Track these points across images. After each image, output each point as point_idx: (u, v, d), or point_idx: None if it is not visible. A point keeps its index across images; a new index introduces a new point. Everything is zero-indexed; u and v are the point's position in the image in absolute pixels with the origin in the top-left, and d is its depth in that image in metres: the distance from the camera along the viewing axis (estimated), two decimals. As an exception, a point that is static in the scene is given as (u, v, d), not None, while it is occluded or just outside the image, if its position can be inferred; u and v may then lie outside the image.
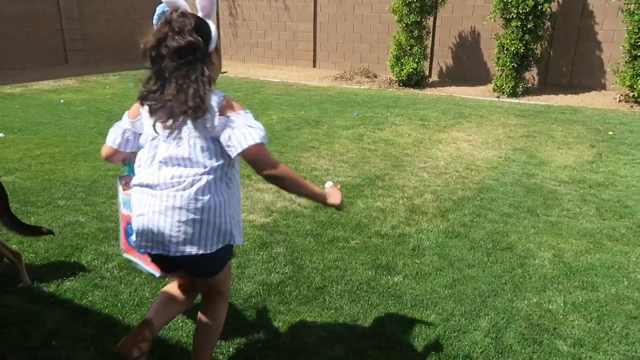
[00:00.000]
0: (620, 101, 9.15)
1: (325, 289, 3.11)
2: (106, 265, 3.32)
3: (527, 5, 9.04)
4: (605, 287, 3.20)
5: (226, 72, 12.61)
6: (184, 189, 1.88)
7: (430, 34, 10.98)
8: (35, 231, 3.23)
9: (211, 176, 1.91)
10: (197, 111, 1.84)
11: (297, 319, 2.81)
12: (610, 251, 3.67)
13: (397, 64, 10.62)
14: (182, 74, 1.86)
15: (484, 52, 11.04)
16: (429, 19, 10.65)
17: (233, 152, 1.89)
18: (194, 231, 1.89)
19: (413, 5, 10.10)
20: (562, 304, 3.00)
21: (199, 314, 2.24)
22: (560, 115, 8.14)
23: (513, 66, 9.55)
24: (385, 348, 2.61)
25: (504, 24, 9.63)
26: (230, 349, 2.57)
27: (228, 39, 14.66)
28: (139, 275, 3.22)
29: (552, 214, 4.30)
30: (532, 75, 10.43)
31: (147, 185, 1.94)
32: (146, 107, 1.96)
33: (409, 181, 5.04)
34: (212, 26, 1.99)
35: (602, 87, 10.08)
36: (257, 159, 1.92)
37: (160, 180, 1.91)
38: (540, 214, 4.29)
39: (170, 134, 1.89)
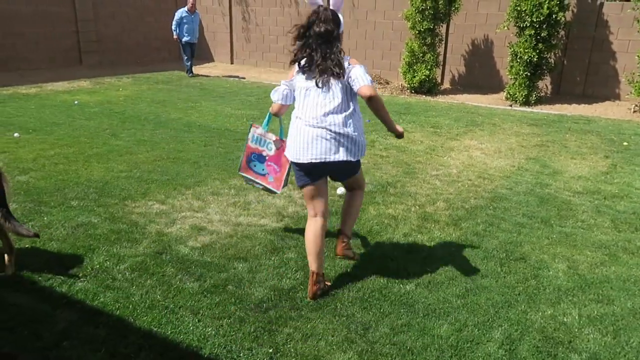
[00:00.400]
0: (635, 111, 9.06)
1: (337, 296, 3.09)
2: (118, 267, 3.32)
3: (541, 14, 9.00)
4: (621, 300, 3.15)
5: (244, 77, 12.68)
6: (337, 121, 2.91)
7: (443, 42, 10.95)
8: (23, 233, 3.17)
9: (350, 111, 2.96)
10: (339, 72, 2.87)
11: (309, 325, 2.79)
12: (626, 264, 3.61)
13: (410, 70, 10.60)
14: (324, 48, 2.87)
15: (497, 60, 10.99)
16: (441, 26, 10.63)
17: (355, 87, 2.89)
18: (350, 145, 2.97)
19: (426, 12, 10.09)
20: (577, 317, 2.96)
21: (347, 197, 3.36)
22: (574, 125, 8.07)
23: (526, 75, 9.50)
24: (397, 357, 2.58)
25: (517, 33, 9.59)
26: (241, 355, 2.56)
27: (241, 43, 14.73)
28: (151, 277, 3.22)
29: (567, 224, 4.25)
30: (545, 84, 10.37)
31: (313, 120, 2.93)
32: (298, 70, 2.99)
33: (421, 189, 5.01)
34: (341, 16, 2.97)
35: (617, 97, 9.99)
36: (370, 97, 2.90)
37: (320, 112, 2.92)
38: (554, 224, 4.24)
39: (320, 86, 2.90)
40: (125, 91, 10.02)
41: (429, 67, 10.42)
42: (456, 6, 10.30)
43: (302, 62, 2.95)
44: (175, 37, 12.22)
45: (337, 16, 2.94)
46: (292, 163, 3.12)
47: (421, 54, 10.45)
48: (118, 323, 2.78)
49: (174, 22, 12.09)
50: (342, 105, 2.93)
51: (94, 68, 13.01)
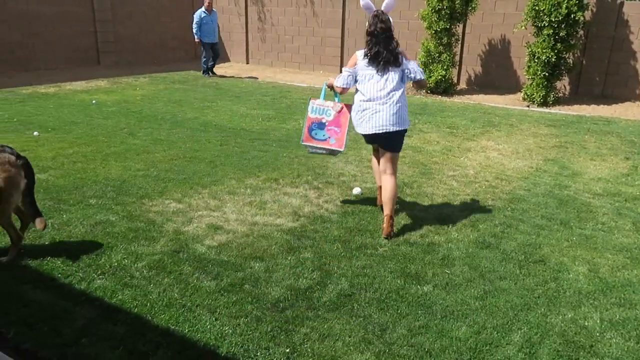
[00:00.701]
0: (656, 113, 8.89)
1: (354, 296, 3.07)
2: (136, 265, 3.35)
3: (559, 14, 8.88)
4: (644, 304, 3.08)
5: (257, 77, 12.72)
6: (393, 99, 3.82)
7: (460, 41, 10.87)
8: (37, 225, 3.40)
9: (401, 91, 3.88)
10: (397, 62, 3.86)
11: (325, 325, 2.78)
12: (648, 267, 3.54)
13: (425, 70, 10.52)
14: (385, 43, 3.84)
15: (514, 61, 10.87)
16: (458, 26, 10.56)
17: (412, 78, 3.95)
18: (399, 119, 3.84)
19: (443, 12, 10.02)
20: (598, 321, 2.90)
21: (384, 183, 4.00)
22: (593, 126, 7.95)
23: (544, 75, 9.38)
24: (415, 358, 2.55)
25: (535, 32, 9.48)
26: (258, 354, 2.56)
27: (256, 43, 14.78)
28: (168, 275, 3.24)
29: (587, 227, 4.18)
30: (563, 84, 10.23)
31: (374, 99, 3.84)
32: (364, 59, 3.91)
33: (438, 189, 4.97)
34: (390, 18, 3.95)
35: (637, 97, 9.81)
36: (421, 83, 4.11)
37: (382, 94, 3.83)
38: (574, 226, 4.17)
39: (381, 72, 3.85)
40: (142, 91, 10.11)
41: (445, 67, 10.34)
42: (473, 6, 10.21)
43: (371, 52, 3.87)
44: (197, 40, 12.17)
45: (389, 18, 3.92)
46: (365, 135, 4.02)
47: (437, 54, 10.38)
48: (136, 321, 2.79)
49: (194, 25, 12.04)
50: (396, 88, 3.87)
51: (111, 68, 13.15)
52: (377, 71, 3.85)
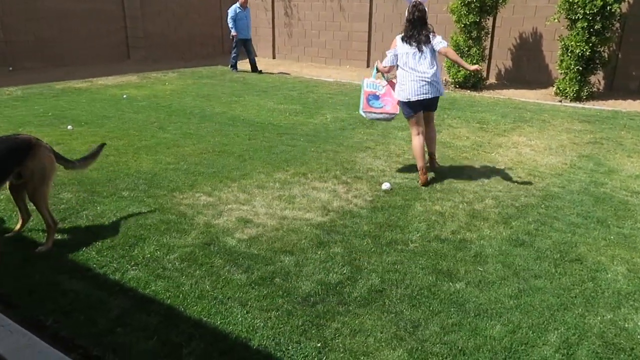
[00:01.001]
0: (696, 108, 8.56)
1: (385, 292, 3.05)
2: (168, 257, 3.39)
3: (594, 6, 8.60)
4: (687, 307, 2.97)
5: (288, 73, 12.73)
6: (430, 72, 4.69)
7: (489, 35, 10.66)
8: (92, 156, 3.85)
9: (436, 66, 4.74)
10: (428, 41, 4.70)
11: (357, 321, 2.76)
12: (691, 268, 3.41)
13: (454, 65, 10.36)
14: (420, 26, 4.71)
15: (546, 54, 10.60)
16: (488, 19, 10.34)
17: (437, 48, 4.73)
18: (437, 87, 4.74)
19: (472, 5, 9.83)
20: (639, 323, 2.81)
21: (428, 132, 5.07)
22: (630, 121, 7.69)
23: (577, 69, 9.11)
24: (448, 356, 2.52)
25: (568, 25, 9.21)
26: (289, 348, 2.56)
27: (283, 38, 14.79)
28: (199, 268, 3.26)
29: (625, 225, 4.05)
30: (597, 79, 9.92)
31: (415, 71, 4.72)
32: (403, 42, 4.79)
33: (469, 185, 4.89)
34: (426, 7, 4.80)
35: (676, 93, 9.46)
36: (447, 52, 4.78)
37: (420, 69, 4.70)
38: (611, 225, 4.05)
39: (418, 50, 4.71)
40: (171, 85, 10.24)
41: (474, 62, 10.15)
42: (504, -2, 9.99)
43: (409, 35, 4.77)
44: (233, 33, 12.16)
45: (424, 7, 4.80)
46: (402, 102, 4.87)
47: (466, 48, 10.20)
48: (169, 312, 2.83)
49: (229, 20, 12.05)
50: (431, 62, 4.77)
51: (141, 63, 13.36)
52: (414, 51, 4.77)
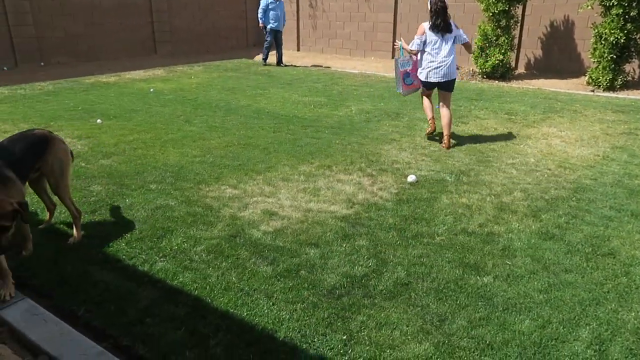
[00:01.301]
0: None
1: (411, 285, 3.02)
2: (195, 249, 3.43)
3: (631, -9, 8.30)
4: None
5: (327, 66, 12.68)
6: (450, 57, 5.57)
7: (519, 24, 10.41)
8: None
9: (454, 53, 5.61)
10: (450, 29, 5.53)
11: (382, 314, 2.75)
12: None
13: (482, 55, 10.18)
14: (443, 15, 5.49)
15: (578, 43, 10.30)
16: (517, 7, 10.10)
17: (461, 41, 5.64)
18: (452, 71, 5.61)
19: (501, -7, 9.61)
20: (676, 319, 2.72)
21: (443, 113, 5.78)
22: (666, 111, 7.42)
23: (611, 57, 8.83)
24: (475, 350, 2.48)
25: (602, 12, 8.93)
26: (315, 340, 2.56)
27: (307, 30, 14.75)
28: (226, 260, 3.30)
29: (661, 219, 3.91)
30: (632, 67, 9.60)
31: (436, 56, 5.57)
32: (429, 29, 5.54)
33: (497, 178, 4.80)
34: None
35: None
36: (467, 45, 5.77)
37: (442, 54, 5.56)
38: (646, 218, 3.92)
39: (441, 39, 5.52)
40: (196, 79, 10.33)
41: (502, 51, 9.95)
42: (534, -15, 9.73)
43: (434, 23, 5.53)
44: (261, 25, 12.11)
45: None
46: (421, 80, 5.83)
47: (495, 38, 9.99)
48: (196, 303, 2.86)
49: (260, 10, 11.99)
50: (451, 50, 5.60)
51: (167, 57, 13.52)
52: (438, 39, 5.57)
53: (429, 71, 5.65)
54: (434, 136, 6.03)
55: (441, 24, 5.49)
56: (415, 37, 5.69)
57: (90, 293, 2.94)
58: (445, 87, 5.75)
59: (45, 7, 11.46)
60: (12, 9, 10.83)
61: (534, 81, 10.05)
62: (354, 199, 4.28)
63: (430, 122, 5.90)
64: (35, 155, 3.28)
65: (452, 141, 5.84)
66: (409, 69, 6.01)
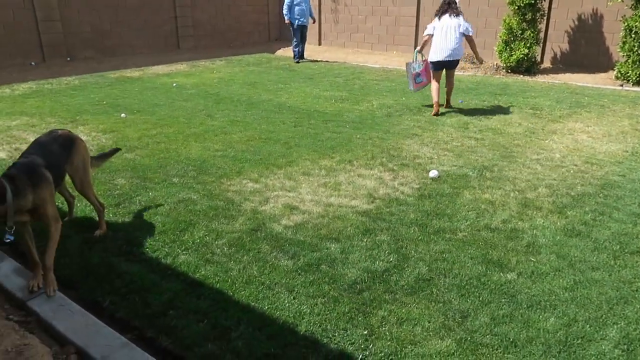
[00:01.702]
0: None
1: (432, 281, 3.00)
2: (217, 242, 3.46)
3: (663, -18, 8.04)
4: None
5: (348, 60, 12.63)
6: (455, 41, 6.69)
7: (545, 17, 10.18)
8: (104, 156, 3.94)
9: (461, 40, 6.74)
10: (459, 16, 6.76)
11: (404, 309, 2.73)
12: None
13: (506, 49, 9.99)
14: (452, 6, 6.80)
15: (607, 36, 10.03)
16: (544, 0, 9.87)
17: (466, 32, 6.73)
18: (457, 53, 6.74)
19: (527, -15, 9.41)
20: None
21: (448, 84, 7.08)
22: (699, 106, 7.18)
23: (642, 51, 8.57)
24: (499, 347, 2.45)
25: (633, 5, 8.67)
26: (336, 334, 2.56)
27: (329, 24, 14.70)
28: (247, 253, 3.32)
29: (693, 217, 3.80)
30: (663, 61, 9.30)
31: (444, 40, 6.71)
32: (438, 18, 6.83)
33: (521, 173, 4.72)
34: None
35: None
36: (470, 40, 6.86)
37: (448, 39, 6.69)
38: (677, 216, 3.81)
39: (447, 25, 6.70)
40: (218, 73, 10.40)
41: (528, 45, 9.75)
42: (561, -23, 9.50)
43: (442, 11, 6.80)
44: (287, 21, 11.94)
45: None
46: (431, 62, 6.88)
47: (520, 31, 9.80)
48: (218, 296, 2.89)
49: (285, 6, 11.82)
50: (458, 37, 6.67)
51: (190, 52, 13.63)
52: (444, 25, 6.70)
53: (437, 53, 6.73)
54: (440, 115, 6.88)
55: (448, 13, 6.72)
56: (429, 25, 6.97)
57: (115, 285, 2.99)
58: (449, 66, 6.85)
59: (72, 2, 11.66)
60: (39, 5, 11.04)
61: (560, 75, 9.84)
62: (375, 193, 4.26)
63: (435, 104, 6.82)
64: (66, 157, 3.30)
65: (452, 105, 7.27)
66: (420, 70, 7.16)
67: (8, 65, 10.64)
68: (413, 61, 7.18)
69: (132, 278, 3.05)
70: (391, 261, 3.21)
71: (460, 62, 7.38)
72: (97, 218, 3.63)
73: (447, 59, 6.69)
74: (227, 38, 15.07)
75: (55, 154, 3.21)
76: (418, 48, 7.19)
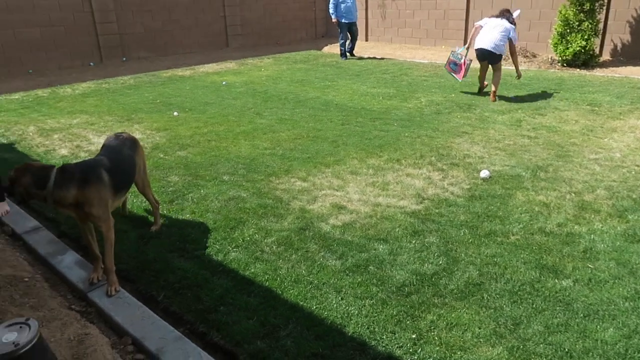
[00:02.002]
0: None
1: (483, 286, 2.93)
2: (266, 240, 3.52)
3: None
4: None
5: (395, 56, 12.51)
6: (501, 39, 7.21)
7: (604, 7, 9.69)
8: None
9: (504, 38, 7.25)
10: (510, 19, 7.33)
11: (453, 314, 2.69)
12: None
13: (562, 41, 9.59)
14: (506, 15, 7.38)
15: (673, 26, 9.43)
16: (604, -11, 9.40)
17: (510, 37, 7.22)
18: (494, 46, 7.22)
19: (586, -25, 8.98)
20: None
21: (493, 77, 7.45)
22: None
23: None
24: (553, 358, 2.37)
25: None
26: (384, 337, 2.56)
27: (376, 20, 14.58)
28: (295, 252, 3.36)
29: None
30: None
31: (486, 33, 7.33)
32: (485, 18, 7.60)
33: (577, 174, 4.53)
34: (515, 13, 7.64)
35: None
36: (511, 46, 7.36)
37: (495, 33, 7.24)
38: None
39: (497, 24, 7.29)
40: (266, 71, 10.53)
41: (585, 37, 9.32)
42: (624, -35, 9.01)
43: (496, 16, 7.37)
44: (334, 20, 11.81)
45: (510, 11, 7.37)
46: (475, 49, 7.39)
47: (577, 23, 9.38)
48: (267, 293, 2.94)
49: (330, 4, 11.74)
50: (502, 35, 7.15)
51: (238, 50, 13.87)
52: (490, 23, 7.33)
53: (481, 40, 7.30)
54: (484, 92, 7.75)
55: (499, 15, 7.39)
56: (478, 22, 7.67)
57: (169, 279, 3.10)
58: (491, 59, 7.30)
59: (127, 4, 12.10)
60: (97, 7, 11.53)
61: (620, 69, 9.35)
62: (424, 194, 4.21)
63: (480, 89, 7.88)
64: (134, 159, 3.43)
65: (496, 98, 7.37)
66: (459, 62, 7.79)
67: (69, 65, 11.17)
68: (459, 49, 7.95)
69: (185, 274, 3.15)
70: (440, 264, 3.16)
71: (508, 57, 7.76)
72: (151, 214, 3.77)
73: (487, 49, 7.18)
74: (274, 36, 15.22)
75: (126, 158, 3.32)
76: (467, 44, 7.85)
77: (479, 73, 7.78)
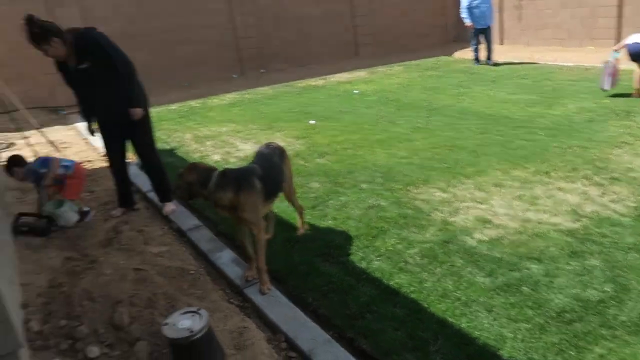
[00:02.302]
0: None
1: (661, 319, 2.60)
2: (408, 251, 3.49)
3: None
4: None
5: (534, 60, 11.85)
6: None
7: None
8: None
9: None
10: None
11: (627, 350, 2.42)
12: None
13: None
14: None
15: None
16: None
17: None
18: None
19: None
20: None
21: None
22: None
23: None
24: None
25: None
26: (535, 356, 2.38)
27: (511, 22, 13.80)
28: (440, 265, 3.28)
29: None
30: None
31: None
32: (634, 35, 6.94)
33: None
34: None
35: None
36: None
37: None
38: None
39: None
40: (397, 79, 10.51)
41: None
42: None
43: None
44: (469, 25, 11.24)
45: None
46: (629, 45, 6.89)
47: None
48: (413, 306, 2.91)
49: (463, 10, 11.20)
50: None
51: (368, 58, 14.02)
52: None
53: (636, 36, 6.83)
54: None
55: None
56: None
57: (316, 283, 3.21)
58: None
59: (265, 19, 12.90)
60: (240, 24, 12.45)
61: None
62: (580, 210, 3.86)
63: (635, 91, 7.07)
64: (282, 167, 3.62)
65: None
66: (609, 71, 7.19)
67: (216, 78, 12.20)
68: (610, 60, 7.23)
69: (330, 278, 3.24)
70: (607, 291, 2.87)
71: None
72: (295, 219, 3.95)
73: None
74: (403, 43, 15.14)
75: (275, 166, 3.51)
76: (615, 47, 7.31)
77: (634, 76, 7.08)
